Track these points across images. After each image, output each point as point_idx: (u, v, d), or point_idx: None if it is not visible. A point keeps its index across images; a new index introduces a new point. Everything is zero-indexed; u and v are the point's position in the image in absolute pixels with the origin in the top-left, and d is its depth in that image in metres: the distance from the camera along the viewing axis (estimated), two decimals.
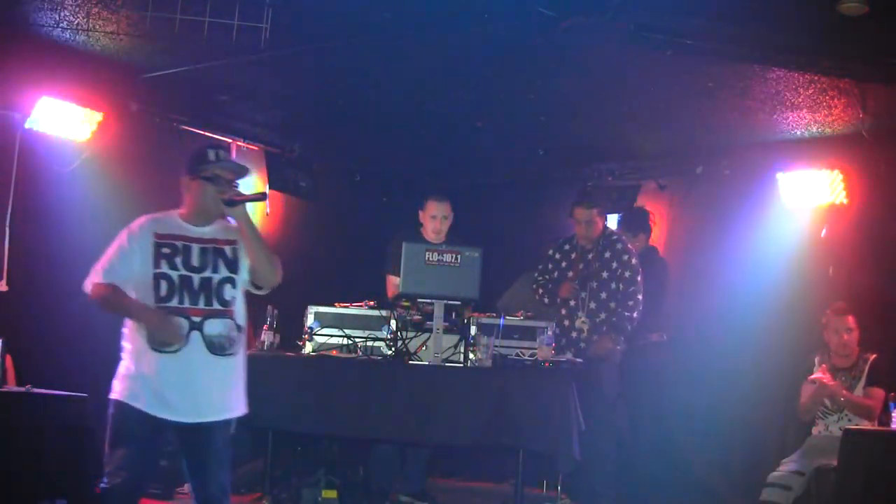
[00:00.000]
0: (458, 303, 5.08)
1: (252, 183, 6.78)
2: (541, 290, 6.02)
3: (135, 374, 3.51)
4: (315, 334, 5.11)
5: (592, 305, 5.75)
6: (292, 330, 5.23)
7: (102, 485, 3.44)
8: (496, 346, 4.98)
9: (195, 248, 3.60)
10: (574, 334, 5.74)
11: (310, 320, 5.15)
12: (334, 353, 5.05)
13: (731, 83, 5.46)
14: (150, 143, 6.20)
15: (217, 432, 3.59)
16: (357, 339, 5.07)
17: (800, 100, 5.61)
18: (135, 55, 5.55)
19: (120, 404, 3.50)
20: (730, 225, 6.63)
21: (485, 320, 5.15)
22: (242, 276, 3.65)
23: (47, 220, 5.68)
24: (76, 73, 5.68)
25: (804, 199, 6.39)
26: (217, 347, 3.56)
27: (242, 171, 3.70)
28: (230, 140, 6.98)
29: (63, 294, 5.03)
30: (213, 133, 6.73)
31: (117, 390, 3.53)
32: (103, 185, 5.89)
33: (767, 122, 6.11)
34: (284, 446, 5.56)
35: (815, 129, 6.18)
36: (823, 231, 6.33)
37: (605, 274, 5.76)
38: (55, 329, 5.45)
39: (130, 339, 3.56)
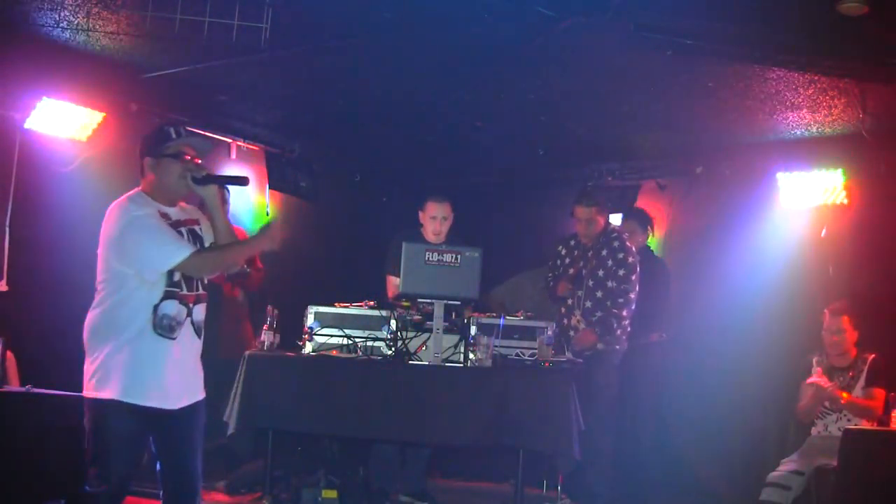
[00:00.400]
0: (458, 303, 5.07)
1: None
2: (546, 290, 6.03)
3: (128, 365, 3.30)
4: (315, 334, 5.09)
5: (588, 304, 5.74)
6: (292, 330, 5.22)
7: (87, 489, 3.32)
8: (496, 346, 4.98)
9: (184, 231, 3.48)
10: (571, 333, 5.75)
11: (310, 320, 5.14)
12: (334, 353, 5.04)
13: (731, 83, 5.46)
14: None
15: (197, 414, 3.53)
16: (357, 339, 5.06)
17: (800, 100, 5.60)
18: (135, 55, 5.54)
19: (109, 404, 3.29)
20: (730, 225, 6.63)
21: (485, 320, 5.15)
22: None
23: (47, 221, 5.67)
24: (76, 73, 5.67)
25: (804, 199, 6.39)
26: (200, 331, 3.53)
27: (207, 147, 3.63)
28: (230, 140, 6.99)
29: (63, 293, 5.02)
30: (213, 133, 6.73)
31: (106, 388, 3.30)
32: (103, 185, 5.86)
33: (767, 122, 6.10)
34: (284, 446, 5.55)
35: (815, 129, 6.17)
36: (823, 231, 6.33)
37: (601, 272, 5.76)
38: (55, 329, 5.42)
39: (122, 326, 3.33)
